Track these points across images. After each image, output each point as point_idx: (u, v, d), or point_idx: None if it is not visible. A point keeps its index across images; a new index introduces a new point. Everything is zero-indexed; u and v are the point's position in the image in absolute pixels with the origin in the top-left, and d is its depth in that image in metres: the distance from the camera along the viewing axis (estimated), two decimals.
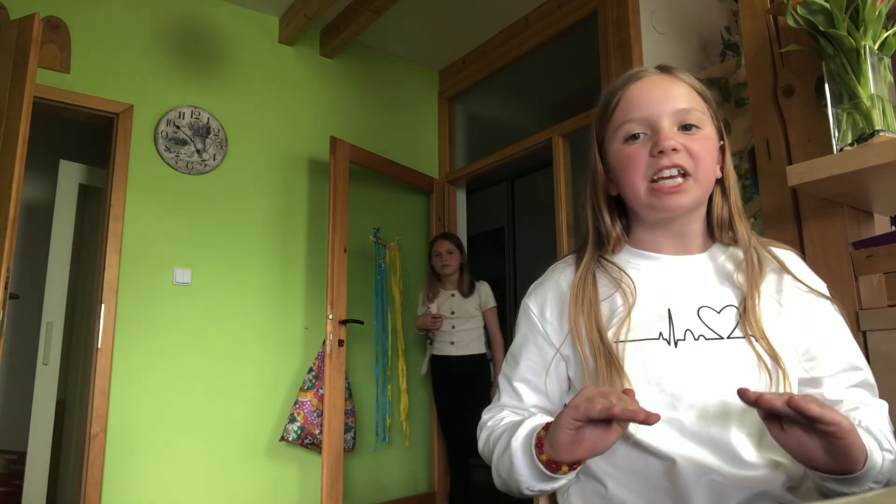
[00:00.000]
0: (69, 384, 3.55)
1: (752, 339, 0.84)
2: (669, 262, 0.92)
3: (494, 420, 0.97)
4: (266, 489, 3.01)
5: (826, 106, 1.17)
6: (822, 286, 0.92)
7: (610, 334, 0.87)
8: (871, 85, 1.10)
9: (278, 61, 3.40)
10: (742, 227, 0.92)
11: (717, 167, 0.91)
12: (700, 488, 0.79)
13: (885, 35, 1.14)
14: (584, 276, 0.93)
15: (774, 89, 1.37)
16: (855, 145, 1.10)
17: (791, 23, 1.20)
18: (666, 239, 0.93)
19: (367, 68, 3.72)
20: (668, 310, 0.88)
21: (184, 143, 3.01)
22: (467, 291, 3.27)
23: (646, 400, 0.82)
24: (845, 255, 1.23)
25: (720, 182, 0.92)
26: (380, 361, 3.50)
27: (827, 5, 1.13)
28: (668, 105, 0.88)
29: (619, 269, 0.93)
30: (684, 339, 0.86)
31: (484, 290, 3.30)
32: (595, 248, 0.96)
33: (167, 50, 3.05)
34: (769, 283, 0.90)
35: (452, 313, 3.24)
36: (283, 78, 3.39)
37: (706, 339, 0.85)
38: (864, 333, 1.19)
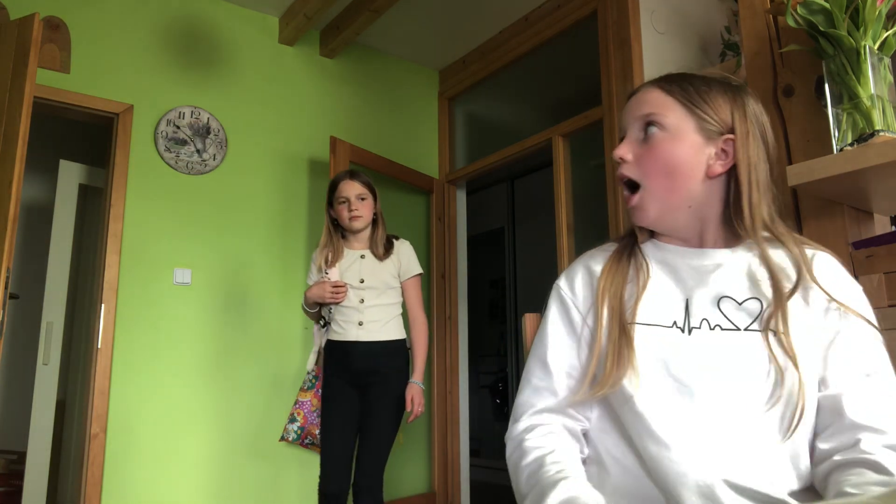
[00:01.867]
0: (69, 384, 3.55)
1: (771, 333, 0.82)
2: (691, 254, 0.93)
3: (532, 436, 0.90)
4: (266, 489, 3.01)
5: (826, 106, 1.17)
6: (855, 299, 0.87)
7: (627, 315, 0.90)
8: (871, 85, 1.10)
9: (278, 61, 3.40)
10: (761, 213, 0.88)
11: (717, 163, 0.89)
12: (691, 483, 0.78)
13: (885, 35, 1.14)
14: (618, 258, 0.96)
15: (774, 89, 1.37)
16: (855, 145, 1.10)
17: (791, 23, 1.20)
18: (685, 234, 0.94)
19: (367, 68, 3.72)
20: (686, 299, 0.89)
21: (184, 143, 3.01)
22: (383, 253, 2.37)
23: (652, 383, 0.84)
24: (845, 255, 1.22)
25: (731, 176, 0.89)
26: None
27: (827, 5, 1.13)
28: (634, 112, 0.93)
29: (643, 256, 0.95)
30: (699, 328, 0.86)
31: (405, 252, 2.43)
32: (630, 237, 0.99)
33: (167, 50, 3.05)
34: (803, 284, 0.86)
35: (362, 282, 2.32)
36: (283, 78, 3.39)
37: (722, 328, 0.85)
38: None
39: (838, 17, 1.12)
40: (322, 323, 2.42)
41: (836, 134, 1.15)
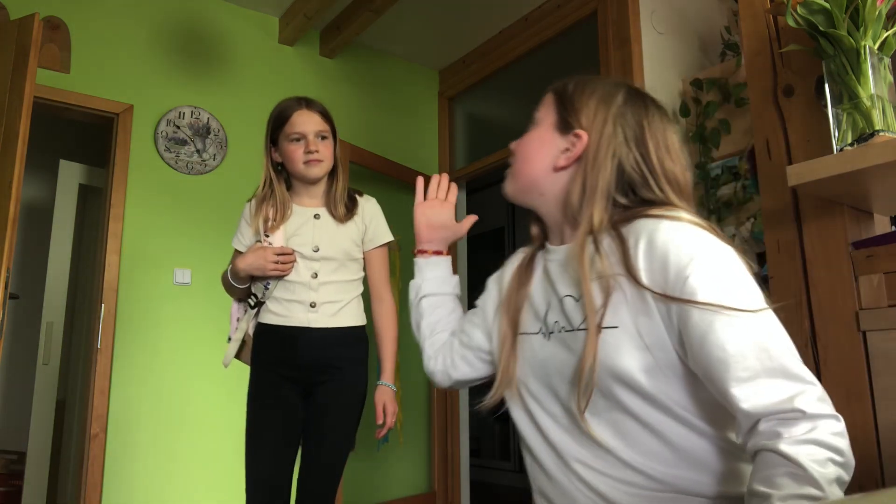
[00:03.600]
0: (69, 384, 3.56)
1: (583, 330, 0.82)
2: (553, 253, 0.95)
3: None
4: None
5: (826, 106, 1.17)
6: (684, 280, 0.76)
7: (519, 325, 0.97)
8: (871, 85, 1.10)
9: (278, 61, 3.39)
10: (591, 211, 0.86)
11: (562, 157, 0.91)
12: (566, 478, 0.85)
13: (885, 35, 1.14)
14: (524, 265, 1.01)
15: (774, 89, 1.37)
16: (855, 145, 1.10)
17: (791, 23, 1.20)
18: (553, 229, 0.97)
19: (367, 68, 3.72)
20: (548, 302, 0.92)
21: (184, 143, 3.01)
22: (343, 213, 1.81)
23: (525, 393, 0.92)
24: (845, 255, 1.23)
25: (575, 169, 0.90)
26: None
27: (827, 5, 1.13)
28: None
29: (535, 261, 1.00)
30: (553, 332, 0.89)
31: (372, 213, 1.89)
32: (539, 242, 1.03)
33: (167, 50, 3.05)
34: (636, 264, 0.80)
35: (315, 251, 1.76)
36: (283, 78, 3.39)
37: (566, 330, 0.87)
38: (864, 333, 1.19)
39: (838, 17, 1.12)
40: (253, 303, 1.81)
41: (836, 134, 1.15)
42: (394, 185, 3.70)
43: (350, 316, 1.79)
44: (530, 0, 3.27)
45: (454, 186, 1.20)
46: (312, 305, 1.74)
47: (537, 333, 0.91)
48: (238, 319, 1.88)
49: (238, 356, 1.88)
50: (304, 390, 1.76)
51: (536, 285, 0.96)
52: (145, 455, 2.72)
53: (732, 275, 0.77)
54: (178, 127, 3.01)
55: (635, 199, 0.87)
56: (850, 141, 1.12)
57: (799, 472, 0.65)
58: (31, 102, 2.17)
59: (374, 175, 3.54)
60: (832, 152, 1.15)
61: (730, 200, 2.41)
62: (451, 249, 1.27)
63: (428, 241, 1.15)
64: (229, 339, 1.88)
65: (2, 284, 2.02)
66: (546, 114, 0.95)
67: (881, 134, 1.08)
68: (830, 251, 1.25)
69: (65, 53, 2.78)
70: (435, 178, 1.21)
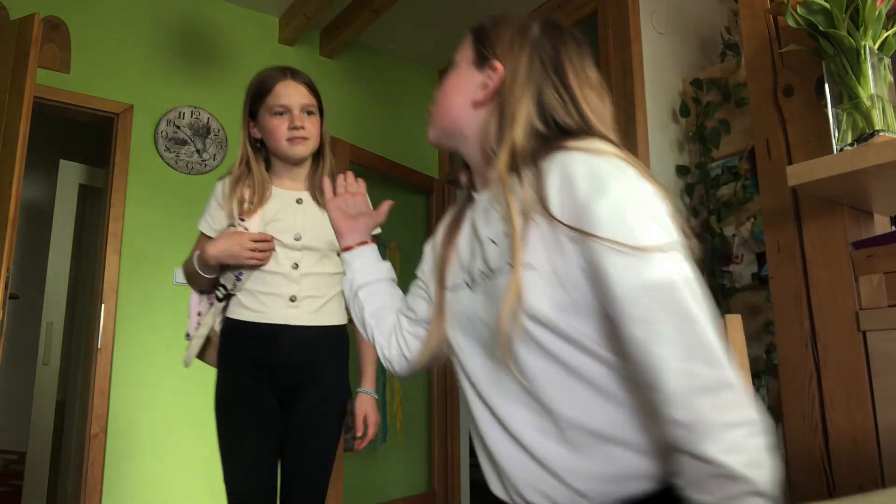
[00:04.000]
0: (69, 384, 3.55)
1: (504, 273, 0.77)
2: (478, 201, 0.92)
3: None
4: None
5: (826, 106, 1.17)
6: (592, 216, 0.71)
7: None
8: (871, 85, 1.10)
9: (278, 61, 3.37)
10: (510, 143, 0.82)
11: (479, 91, 0.88)
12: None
13: (885, 35, 1.14)
14: (450, 222, 0.99)
15: (774, 89, 1.37)
16: (855, 145, 1.10)
17: (791, 23, 1.20)
18: (476, 176, 0.94)
19: (367, 68, 3.72)
20: (473, 250, 0.88)
21: (184, 143, 3.01)
22: None
23: (463, 346, 0.88)
24: (845, 255, 1.23)
25: (495, 103, 0.87)
26: (377, 361, 3.49)
27: (827, 5, 1.13)
28: None
29: (463, 214, 0.97)
30: (478, 282, 0.86)
31: None
32: (468, 193, 1.00)
33: (167, 50, 3.05)
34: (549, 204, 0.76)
35: (297, 239, 1.60)
36: None
37: (488, 278, 0.82)
38: (864, 333, 1.19)
39: (838, 17, 1.12)
40: (221, 295, 1.61)
41: (836, 134, 1.15)
42: (394, 185, 3.70)
43: (332, 314, 1.61)
44: (530, 0, 3.27)
45: (361, 179, 1.21)
46: (293, 300, 1.55)
47: (464, 286, 0.87)
48: (199, 314, 1.67)
49: (201, 356, 1.66)
50: (282, 395, 1.56)
51: (463, 238, 0.92)
52: (145, 455, 2.72)
53: (635, 210, 0.72)
54: (178, 127, 3.01)
55: (556, 128, 0.83)
56: (850, 141, 1.12)
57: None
58: (31, 102, 2.17)
59: (374, 175, 3.54)
60: (832, 152, 1.15)
61: (730, 200, 2.41)
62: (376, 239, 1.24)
63: (349, 234, 1.13)
64: (188, 335, 1.67)
65: (2, 284, 2.02)
66: (463, 53, 0.94)
67: (881, 134, 1.08)
68: (830, 251, 1.25)
69: (65, 53, 2.78)
70: (340, 177, 1.20)
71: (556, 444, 0.76)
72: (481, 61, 0.89)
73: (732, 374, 0.67)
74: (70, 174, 3.35)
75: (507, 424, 0.80)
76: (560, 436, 0.76)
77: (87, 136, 3.82)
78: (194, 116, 3.06)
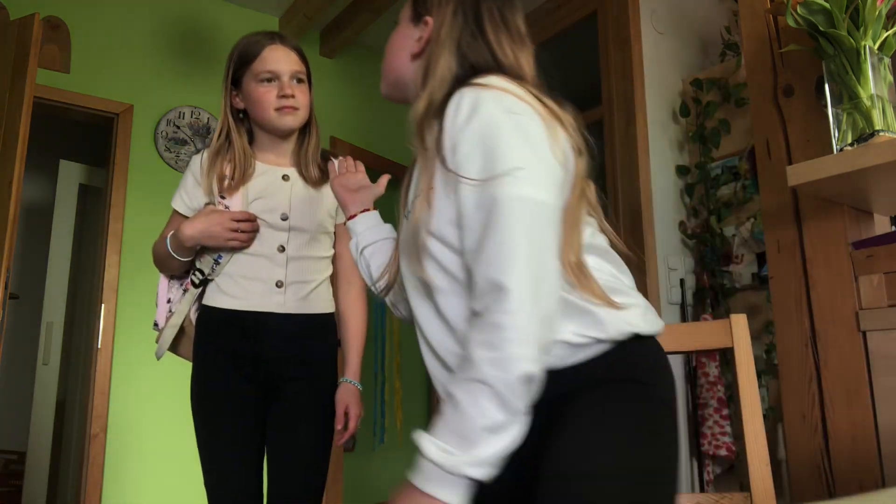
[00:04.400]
0: (69, 384, 3.56)
1: (417, 198, 0.86)
2: None
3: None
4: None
5: (826, 106, 1.17)
6: (457, 149, 0.80)
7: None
8: (871, 85, 1.10)
9: None
10: (431, 88, 0.90)
11: (415, 45, 0.98)
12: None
13: (885, 35, 1.14)
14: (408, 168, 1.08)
15: (774, 89, 1.37)
16: (855, 145, 1.10)
17: (791, 23, 1.21)
18: None
19: (367, 68, 3.72)
20: (409, 188, 0.95)
21: (184, 143, 3.01)
22: (318, 175, 1.51)
23: (406, 276, 0.94)
24: (845, 255, 1.23)
25: (424, 61, 0.95)
26: (378, 361, 3.50)
27: (827, 5, 1.14)
28: None
29: None
30: (408, 213, 0.91)
31: None
32: None
33: (167, 50, 3.05)
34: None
35: (284, 219, 1.46)
36: None
37: (409, 210, 0.90)
38: (864, 333, 1.19)
39: (838, 17, 1.12)
40: (197, 280, 1.49)
41: (836, 134, 1.15)
42: (394, 185, 3.70)
43: (321, 301, 1.48)
44: (530, 0, 3.27)
45: (360, 162, 1.33)
46: (279, 285, 1.41)
47: (404, 218, 0.94)
48: (170, 301, 1.55)
49: (175, 349, 1.53)
50: (266, 390, 1.42)
51: (413, 177, 0.98)
52: (145, 455, 2.72)
53: (491, 142, 0.77)
54: (178, 127, 3.01)
55: (472, 71, 0.89)
56: (850, 141, 1.12)
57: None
58: (31, 102, 2.17)
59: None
60: (832, 152, 1.15)
61: (730, 200, 2.41)
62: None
63: (353, 205, 1.23)
64: (155, 325, 1.55)
65: (2, 284, 2.02)
66: (404, 12, 1.03)
67: (881, 134, 1.08)
68: (830, 251, 1.25)
69: (65, 53, 2.78)
70: (341, 159, 1.30)
71: (454, 344, 0.84)
72: (416, 18, 0.99)
73: (528, 303, 0.70)
74: (70, 174, 3.35)
75: (429, 342, 0.88)
76: (455, 336, 0.83)
77: (87, 136, 3.82)
78: (194, 116, 3.06)
